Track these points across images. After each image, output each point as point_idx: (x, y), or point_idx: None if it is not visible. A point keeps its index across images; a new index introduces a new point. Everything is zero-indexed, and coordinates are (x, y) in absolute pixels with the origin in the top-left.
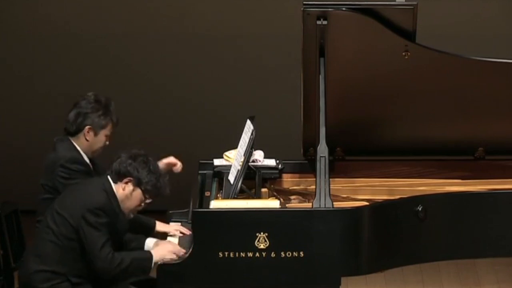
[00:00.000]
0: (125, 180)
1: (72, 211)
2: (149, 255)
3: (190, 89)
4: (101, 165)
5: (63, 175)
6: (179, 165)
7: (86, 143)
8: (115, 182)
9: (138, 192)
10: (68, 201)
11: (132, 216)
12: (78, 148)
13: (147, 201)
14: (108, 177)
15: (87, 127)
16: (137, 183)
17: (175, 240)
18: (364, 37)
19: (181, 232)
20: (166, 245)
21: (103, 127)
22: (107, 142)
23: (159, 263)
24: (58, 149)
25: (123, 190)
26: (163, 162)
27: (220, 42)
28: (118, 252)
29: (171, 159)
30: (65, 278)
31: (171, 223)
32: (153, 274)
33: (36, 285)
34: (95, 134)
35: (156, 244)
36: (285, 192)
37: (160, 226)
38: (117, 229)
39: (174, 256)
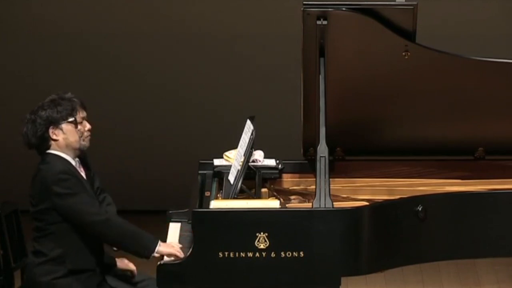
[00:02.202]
0: (49, 135)
1: (43, 198)
2: (155, 240)
3: (190, 89)
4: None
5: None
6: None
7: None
8: (48, 147)
9: (67, 127)
10: (35, 192)
11: (87, 143)
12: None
13: (82, 121)
14: (48, 151)
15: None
16: (56, 124)
17: (175, 238)
18: (364, 37)
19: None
20: (174, 246)
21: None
22: (88, 126)
23: (159, 262)
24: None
25: (56, 140)
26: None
27: (220, 42)
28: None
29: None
30: (65, 270)
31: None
32: (153, 274)
33: (36, 278)
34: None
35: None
36: (285, 192)
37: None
38: (86, 188)
39: (177, 255)
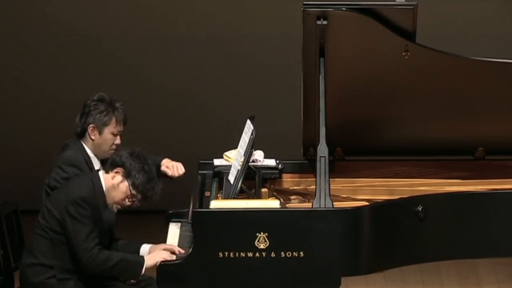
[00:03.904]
0: (116, 169)
1: (57, 204)
2: (140, 259)
3: (190, 89)
4: None
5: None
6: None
7: (92, 142)
8: (107, 172)
9: (125, 185)
10: (56, 196)
11: (115, 210)
12: (88, 149)
13: (133, 199)
14: (100, 172)
15: (90, 125)
16: (127, 175)
17: (175, 238)
18: (364, 37)
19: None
20: (160, 252)
21: (105, 124)
22: (118, 142)
23: (160, 262)
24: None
25: (112, 179)
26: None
27: (220, 42)
28: (107, 250)
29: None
30: (53, 273)
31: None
32: (153, 274)
33: (29, 279)
34: (100, 133)
35: (151, 250)
36: (285, 192)
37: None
38: (102, 223)
39: (169, 256)
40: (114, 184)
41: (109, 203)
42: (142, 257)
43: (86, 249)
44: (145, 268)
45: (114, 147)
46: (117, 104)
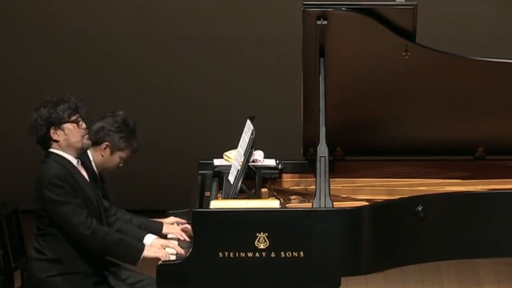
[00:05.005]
0: (51, 133)
1: (37, 198)
2: (140, 247)
3: (190, 89)
4: (108, 183)
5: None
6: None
7: (100, 158)
8: (49, 146)
9: (65, 127)
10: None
11: (85, 145)
12: (91, 157)
13: (81, 126)
14: (48, 150)
15: (105, 143)
16: (55, 124)
17: (174, 240)
18: (364, 37)
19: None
20: (161, 249)
21: (120, 149)
22: (121, 165)
23: (159, 262)
24: None
25: (57, 141)
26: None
27: (220, 42)
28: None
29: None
30: (61, 270)
31: (172, 221)
32: (153, 273)
33: (34, 274)
34: (111, 153)
35: (155, 242)
36: (285, 192)
37: (165, 229)
38: (86, 198)
39: (166, 256)
40: (65, 138)
41: (80, 147)
42: (143, 244)
43: (81, 224)
44: (143, 258)
45: (115, 168)
46: (137, 133)
